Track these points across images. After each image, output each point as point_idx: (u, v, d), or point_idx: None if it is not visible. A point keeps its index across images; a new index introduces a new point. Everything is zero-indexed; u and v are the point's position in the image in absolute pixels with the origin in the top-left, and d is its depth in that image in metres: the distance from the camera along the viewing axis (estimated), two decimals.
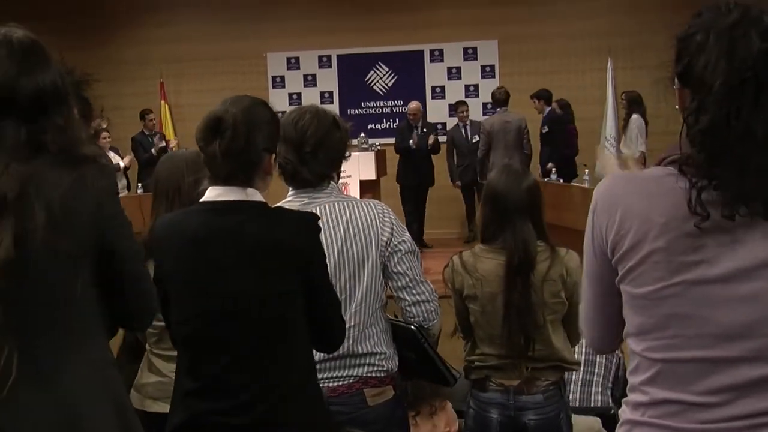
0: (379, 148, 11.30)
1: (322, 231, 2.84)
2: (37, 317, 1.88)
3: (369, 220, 2.97)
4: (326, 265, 2.61)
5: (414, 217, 11.65)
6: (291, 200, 2.99)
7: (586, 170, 10.45)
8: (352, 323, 2.92)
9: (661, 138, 11.82)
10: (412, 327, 3.03)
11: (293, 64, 13.48)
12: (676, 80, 1.73)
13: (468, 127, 11.95)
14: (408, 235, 3.07)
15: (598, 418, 4.32)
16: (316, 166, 2.96)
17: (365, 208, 3.00)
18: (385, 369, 2.99)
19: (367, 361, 2.96)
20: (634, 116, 10.84)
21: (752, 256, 1.59)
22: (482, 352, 3.40)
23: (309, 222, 2.54)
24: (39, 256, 1.83)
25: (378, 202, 3.09)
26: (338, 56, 13.34)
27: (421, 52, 13.09)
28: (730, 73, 1.59)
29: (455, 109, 12.17)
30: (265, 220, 2.48)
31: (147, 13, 13.60)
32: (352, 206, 2.99)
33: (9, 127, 1.84)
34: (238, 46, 13.29)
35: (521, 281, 3.26)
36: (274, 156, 2.55)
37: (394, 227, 3.00)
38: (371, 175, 10.86)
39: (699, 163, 1.61)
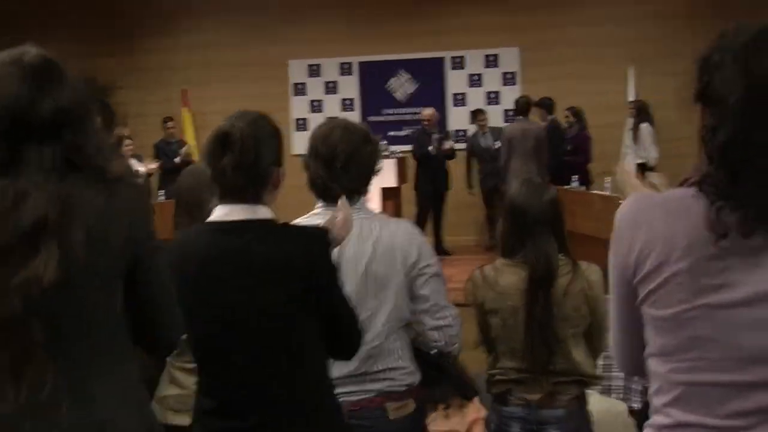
0: (400, 155, 11.32)
1: (350, 247, 2.85)
2: (72, 336, 1.89)
3: (398, 241, 2.96)
4: (338, 277, 2.59)
5: (431, 225, 11.70)
6: (321, 213, 2.98)
7: (607, 177, 10.37)
8: (376, 342, 2.92)
9: (688, 143, 11.82)
10: (434, 353, 3.05)
11: (314, 71, 13.49)
12: (697, 100, 1.73)
13: (488, 134, 11.97)
14: (435, 258, 3.06)
15: (624, 404, 4.30)
16: (347, 182, 2.94)
17: (394, 228, 3.00)
18: (406, 383, 2.99)
19: (389, 376, 2.96)
20: (644, 125, 10.93)
21: None
22: (504, 366, 3.38)
23: (318, 237, 2.53)
24: (77, 277, 1.85)
25: (408, 222, 3.08)
26: (359, 63, 13.34)
27: (442, 59, 13.07)
28: (748, 88, 1.58)
29: (474, 116, 12.19)
30: (273, 237, 2.48)
31: (169, 20, 13.68)
32: (381, 225, 2.98)
33: (32, 149, 1.84)
34: (260, 53, 13.34)
35: (543, 295, 3.24)
36: (281, 169, 2.54)
37: (422, 249, 3.00)
38: (392, 183, 10.90)
39: (718, 181, 1.60)
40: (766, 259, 1.58)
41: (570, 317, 3.28)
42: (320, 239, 2.52)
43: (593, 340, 3.37)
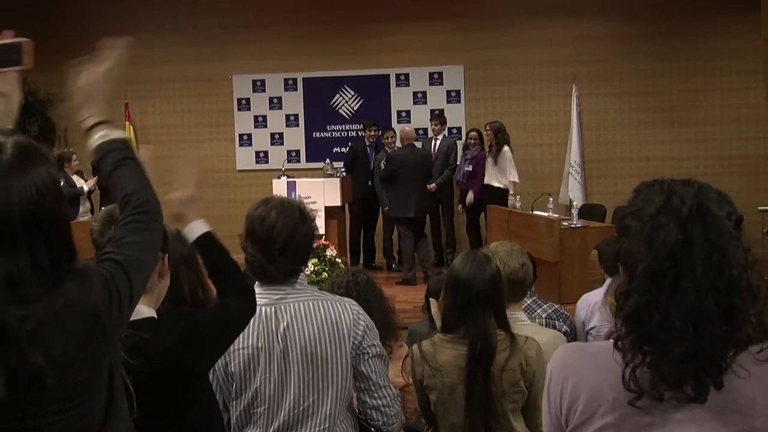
0: (344, 173, 11.29)
1: (296, 328, 2.89)
2: None
3: (343, 322, 2.96)
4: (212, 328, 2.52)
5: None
6: (261, 293, 2.95)
7: (550, 198, 10.41)
8: (324, 426, 2.93)
9: (624, 164, 12.02)
10: (372, 430, 3.07)
11: (259, 86, 13.37)
12: (616, 259, 1.77)
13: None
14: (378, 338, 3.07)
15: (563, 336, 4.33)
16: (285, 265, 2.94)
17: (340, 309, 2.99)
18: None
19: None
20: (506, 148, 10.99)
21: None
22: None
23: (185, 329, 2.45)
24: (49, 394, 1.71)
25: (353, 302, 3.08)
26: (304, 79, 13.24)
27: (387, 76, 13.02)
28: (650, 260, 1.62)
29: (382, 135, 11.76)
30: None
31: (111, 34, 13.43)
32: (326, 306, 2.98)
33: None
34: (204, 68, 13.20)
35: (482, 372, 3.22)
36: (165, 256, 2.45)
37: (367, 330, 3.00)
38: (336, 201, 10.89)
39: (629, 344, 1.65)
40: (685, 417, 1.62)
41: (508, 393, 3.27)
42: (189, 330, 2.46)
43: (532, 414, 3.34)
